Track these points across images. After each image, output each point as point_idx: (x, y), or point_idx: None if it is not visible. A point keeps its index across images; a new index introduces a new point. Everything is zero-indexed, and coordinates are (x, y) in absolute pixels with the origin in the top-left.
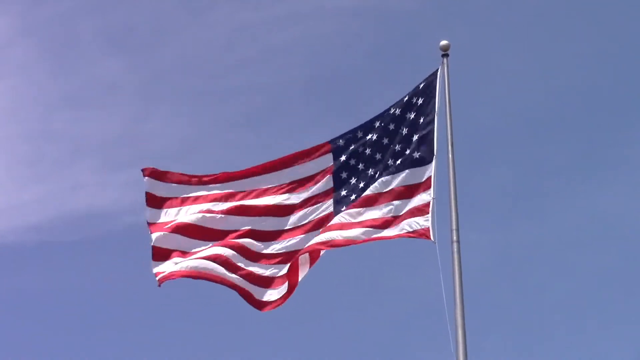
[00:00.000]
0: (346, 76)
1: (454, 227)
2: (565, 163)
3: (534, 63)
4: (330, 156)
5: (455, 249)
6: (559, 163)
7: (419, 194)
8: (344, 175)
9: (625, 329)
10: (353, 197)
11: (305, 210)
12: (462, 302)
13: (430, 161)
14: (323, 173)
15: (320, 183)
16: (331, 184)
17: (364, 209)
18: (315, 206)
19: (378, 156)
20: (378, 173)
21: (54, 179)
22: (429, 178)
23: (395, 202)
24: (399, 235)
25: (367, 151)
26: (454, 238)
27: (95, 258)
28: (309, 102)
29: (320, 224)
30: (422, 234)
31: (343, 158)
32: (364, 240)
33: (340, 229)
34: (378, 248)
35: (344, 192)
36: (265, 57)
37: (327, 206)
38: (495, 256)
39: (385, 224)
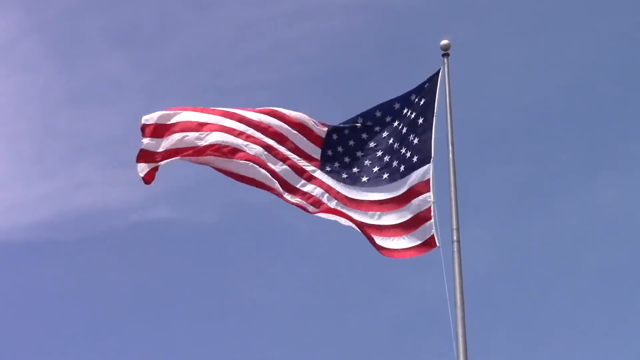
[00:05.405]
0: (352, 73)
1: (454, 226)
2: (570, 160)
3: (538, 60)
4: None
5: (455, 249)
6: (564, 160)
7: (416, 197)
8: (334, 136)
9: (632, 327)
10: (344, 175)
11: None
12: (462, 302)
13: (428, 163)
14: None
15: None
16: (319, 149)
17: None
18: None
19: (372, 144)
20: (369, 162)
21: (59, 176)
22: (428, 181)
23: (398, 210)
24: (409, 254)
25: (363, 136)
26: (454, 238)
27: (101, 255)
28: (315, 98)
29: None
30: (429, 244)
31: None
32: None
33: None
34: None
35: (336, 164)
36: (271, 53)
37: (313, 165)
38: (500, 254)
39: (390, 231)
